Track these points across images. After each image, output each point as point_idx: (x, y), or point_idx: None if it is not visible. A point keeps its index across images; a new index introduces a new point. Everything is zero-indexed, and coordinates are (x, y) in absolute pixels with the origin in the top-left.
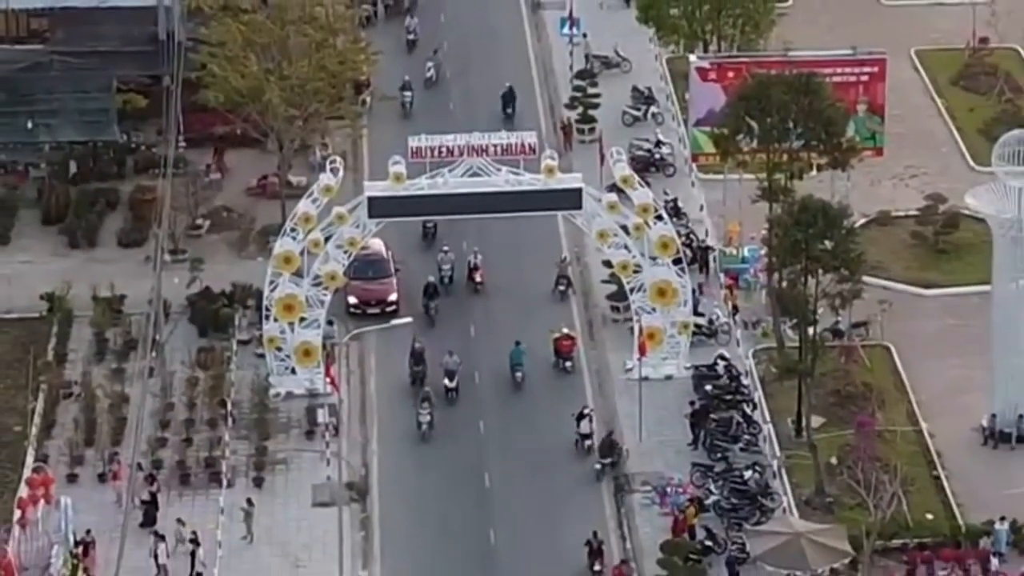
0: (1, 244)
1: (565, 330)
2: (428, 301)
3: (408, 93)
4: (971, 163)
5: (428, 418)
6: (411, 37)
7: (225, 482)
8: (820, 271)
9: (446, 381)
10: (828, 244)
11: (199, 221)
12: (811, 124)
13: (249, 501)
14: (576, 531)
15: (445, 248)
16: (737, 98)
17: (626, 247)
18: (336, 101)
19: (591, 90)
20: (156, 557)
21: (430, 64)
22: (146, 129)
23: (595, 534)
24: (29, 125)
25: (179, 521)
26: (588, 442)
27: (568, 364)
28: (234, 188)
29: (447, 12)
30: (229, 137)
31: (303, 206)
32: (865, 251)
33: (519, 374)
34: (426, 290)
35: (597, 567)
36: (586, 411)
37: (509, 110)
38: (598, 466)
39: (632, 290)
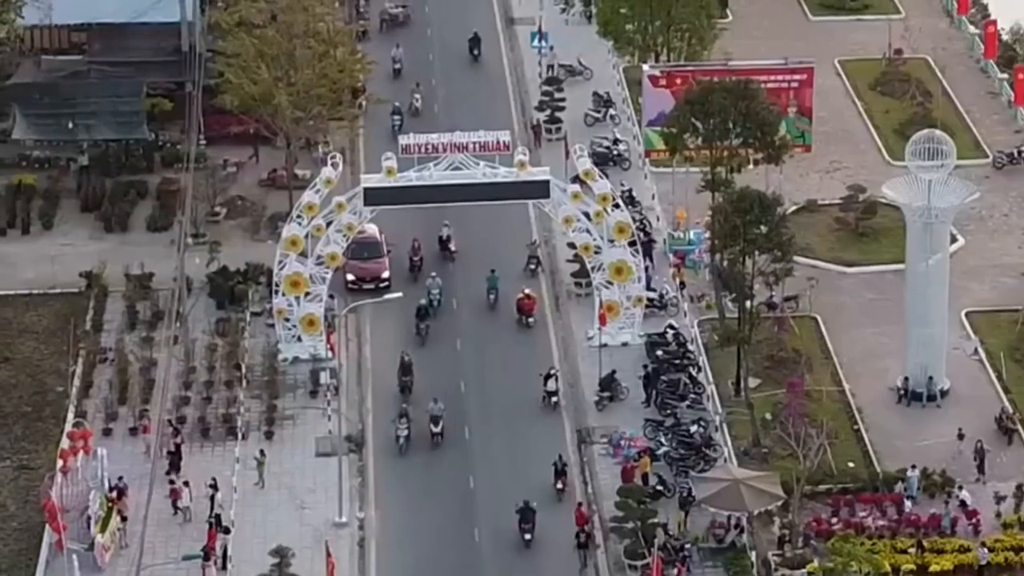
0: (45, 229)
1: (527, 291)
2: (419, 322)
3: (397, 118)
4: (887, 158)
5: (405, 432)
6: (397, 67)
7: (240, 435)
8: (756, 252)
9: (432, 427)
10: (763, 229)
11: (217, 209)
12: (748, 125)
13: (261, 452)
14: (544, 465)
15: (433, 275)
16: (684, 102)
17: (588, 231)
18: (336, 104)
19: (558, 95)
20: (175, 502)
21: (416, 96)
22: (171, 129)
23: (560, 457)
24: (70, 125)
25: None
26: (555, 399)
27: (530, 320)
28: (248, 180)
29: (433, 27)
30: (243, 136)
31: (307, 196)
32: (795, 234)
33: (492, 296)
34: (418, 312)
35: (560, 485)
36: (552, 371)
37: (476, 52)
38: (596, 398)
39: (593, 269)
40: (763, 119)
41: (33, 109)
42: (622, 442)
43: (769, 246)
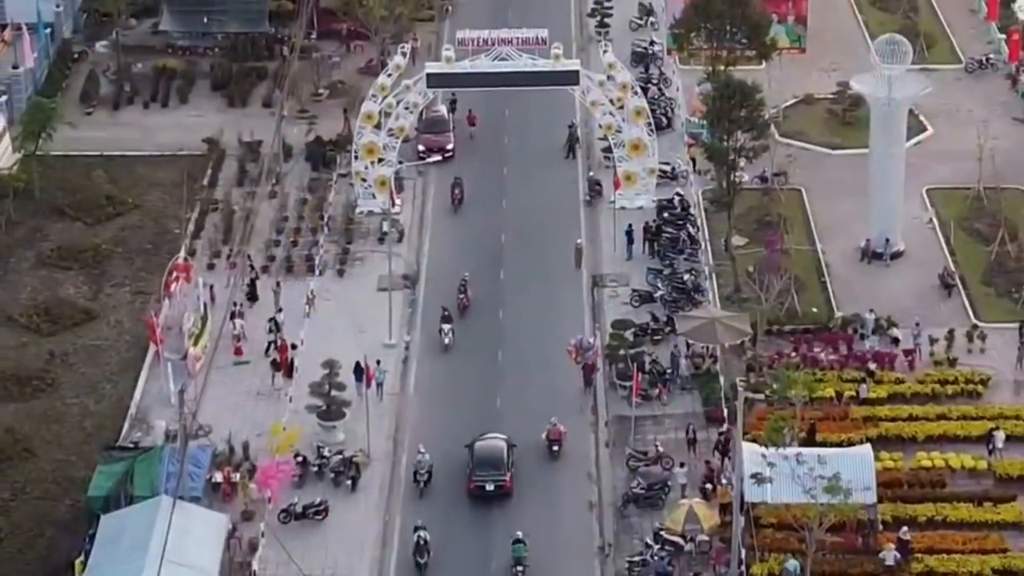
0: (181, 103)
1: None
2: (443, 324)
3: None
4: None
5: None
6: None
7: (317, 271)
8: (738, 131)
9: (416, 476)
10: (743, 112)
11: (321, 91)
12: (743, 27)
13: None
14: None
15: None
16: (690, 6)
17: (611, 114)
18: (419, 7)
19: (607, 4)
20: (234, 325)
21: None
22: (291, 25)
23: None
24: (205, 20)
25: (277, 285)
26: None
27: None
28: (349, 67)
29: None
30: (348, 32)
31: (381, 79)
32: (777, 118)
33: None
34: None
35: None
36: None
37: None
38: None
39: (615, 145)
40: (755, 23)
41: (178, 6)
42: (584, 342)
43: (748, 127)
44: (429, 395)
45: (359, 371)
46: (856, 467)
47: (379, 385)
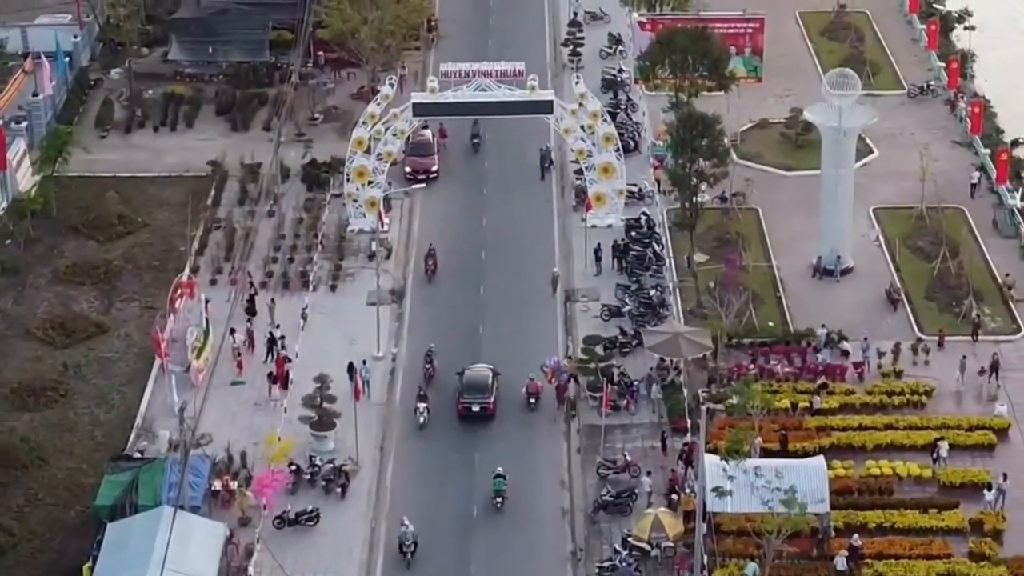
0: (188, 127)
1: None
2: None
3: None
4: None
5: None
6: None
7: (311, 287)
8: (700, 159)
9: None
10: (704, 141)
11: (316, 115)
12: (704, 61)
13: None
14: (545, 345)
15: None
16: (655, 43)
17: (583, 139)
18: (407, 38)
19: (579, 35)
20: (233, 340)
21: None
22: (289, 53)
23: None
24: (210, 50)
25: (272, 301)
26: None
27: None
28: (342, 93)
29: None
30: (340, 61)
31: (371, 108)
32: (734, 144)
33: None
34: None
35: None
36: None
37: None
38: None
39: (587, 168)
40: (715, 57)
41: (185, 37)
42: (560, 365)
43: (709, 154)
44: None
45: (351, 370)
46: (811, 479)
47: (366, 383)
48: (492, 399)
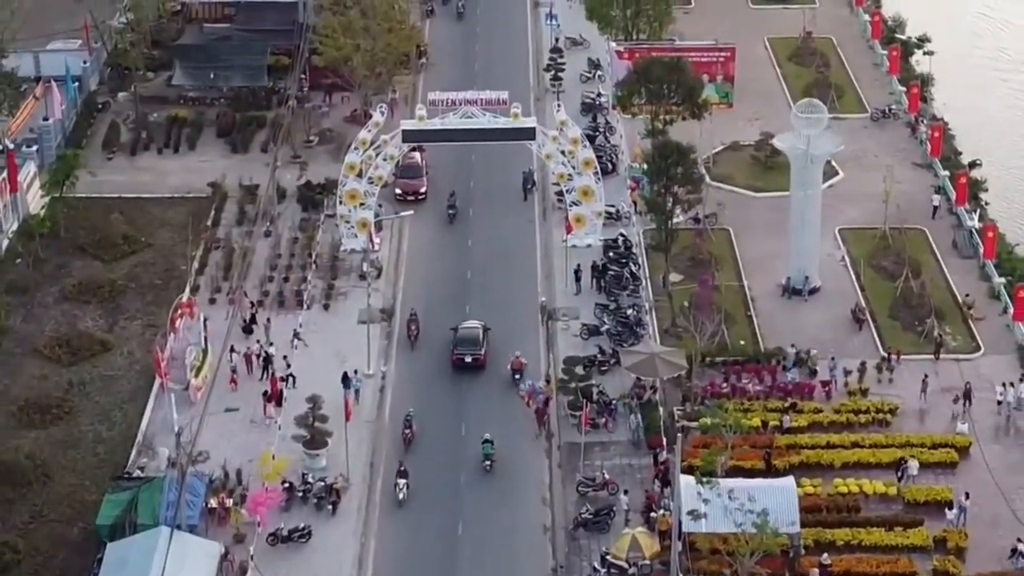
0: (190, 149)
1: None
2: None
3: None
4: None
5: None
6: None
7: (305, 306)
8: (675, 185)
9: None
10: (679, 169)
11: (311, 138)
12: (678, 90)
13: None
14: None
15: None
16: (632, 73)
17: (563, 163)
18: (397, 65)
19: (560, 60)
20: (231, 359)
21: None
22: (287, 78)
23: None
24: (212, 75)
25: (268, 321)
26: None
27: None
28: (335, 116)
29: (480, 4)
30: (334, 85)
31: (362, 134)
32: (707, 167)
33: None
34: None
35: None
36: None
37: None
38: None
39: (567, 191)
40: (690, 87)
41: (188, 63)
42: (537, 387)
43: (683, 181)
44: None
45: (346, 380)
46: (782, 501)
47: (356, 392)
48: (483, 351)
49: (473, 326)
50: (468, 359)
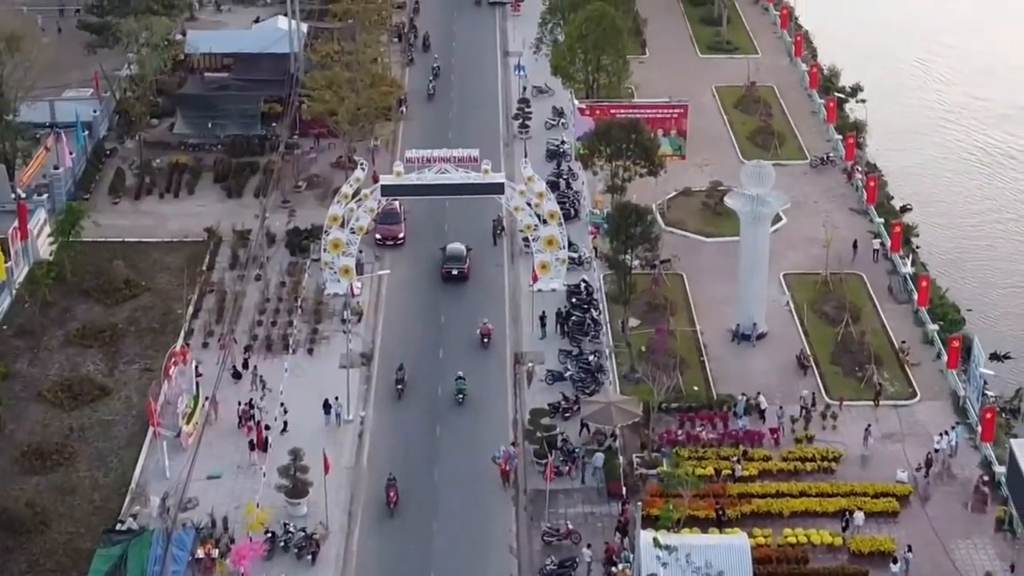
0: (189, 194)
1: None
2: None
3: (432, 82)
4: (741, 158)
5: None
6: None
7: (291, 350)
8: (633, 244)
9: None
10: (638, 229)
11: (300, 183)
12: (635, 149)
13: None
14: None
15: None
16: (593, 134)
17: (530, 215)
18: (379, 116)
19: (527, 109)
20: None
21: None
22: (278, 124)
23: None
24: (209, 125)
25: (255, 369)
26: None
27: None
28: (323, 163)
29: (456, 55)
30: (322, 133)
31: (344, 188)
32: (661, 217)
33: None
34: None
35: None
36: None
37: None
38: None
39: (533, 240)
40: (646, 147)
41: (189, 112)
42: (511, 453)
43: (642, 240)
44: None
45: (327, 407)
46: (735, 560)
47: (337, 415)
48: (466, 266)
49: (458, 246)
50: (455, 271)
